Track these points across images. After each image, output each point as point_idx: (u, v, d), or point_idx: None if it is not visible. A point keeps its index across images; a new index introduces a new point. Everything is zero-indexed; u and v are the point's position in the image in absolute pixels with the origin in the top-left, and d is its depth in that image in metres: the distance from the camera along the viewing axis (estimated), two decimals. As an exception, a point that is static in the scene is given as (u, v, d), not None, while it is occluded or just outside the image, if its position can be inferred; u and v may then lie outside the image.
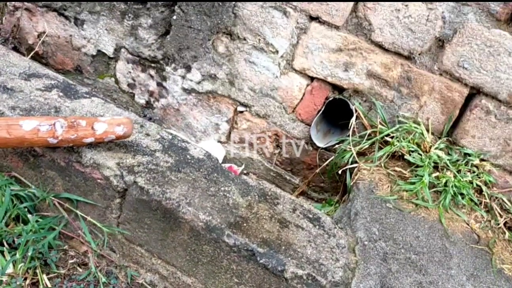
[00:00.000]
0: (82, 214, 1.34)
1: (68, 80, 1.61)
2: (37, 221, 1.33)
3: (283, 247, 1.22)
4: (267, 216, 1.31)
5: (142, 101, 2.18)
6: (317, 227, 1.35)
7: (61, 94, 1.52)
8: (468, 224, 1.63)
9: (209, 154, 1.49)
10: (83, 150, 1.31)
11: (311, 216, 1.38)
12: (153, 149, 1.41)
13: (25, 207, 1.34)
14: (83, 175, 1.30)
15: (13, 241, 1.29)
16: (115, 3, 2.00)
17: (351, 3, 1.69)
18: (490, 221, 1.66)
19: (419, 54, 1.70)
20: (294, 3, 1.76)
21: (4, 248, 1.26)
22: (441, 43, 1.66)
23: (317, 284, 1.17)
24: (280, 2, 1.78)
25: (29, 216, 1.33)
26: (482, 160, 1.74)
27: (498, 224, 1.64)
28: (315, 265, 1.20)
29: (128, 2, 1.98)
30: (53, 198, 1.35)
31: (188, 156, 1.44)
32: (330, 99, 1.88)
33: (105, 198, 1.31)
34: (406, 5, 1.63)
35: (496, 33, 1.57)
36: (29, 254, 1.24)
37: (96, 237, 1.36)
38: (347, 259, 1.28)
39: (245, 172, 2.11)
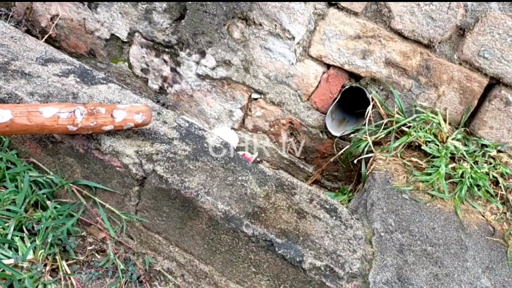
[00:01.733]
0: (101, 201, 1.35)
1: (84, 66, 1.60)
2: (55, 207, 1.34)
3: (301, 238, 1.22)
4: (284, 207, 1.31)
5: (156, 87, 2.17)
6: (334, 218, 1.35)
7: (78, 79, 1.51)
8: (483, 216, 1.62)
9: (226, 143, 1.49)
10: (102, 137, 1.30)
11: (328, 206, 1.38)
12: (170, 137, 1.41)
13: (43, 194, 1.35)
14: (102, 162, 1.30)
15: (33, 227, 1.30)
16: (129, -14, 1.98)
17: (371, -10, 1.66)
18: (505, 213, 1.65)
19: (439, 43, 1.67)
20: (312, -11, 1.73)
21: (24, 234, 1.27)
22: (462, 31, 1.63)
23: (334, 275, 1.18)
24: (298, -12, 1.75)
25: (48, 202, 1.34)
26: (499, 151, 1.72)
27: (514, 217, 1.63)
28: (332, 256, 1.21)
29: (143, -14, 1.95)
30: (71, 185, 1.35)
31: (205, 145, 1.44)
32: (347, 87, 1.86)
33: (124, 186, 1.31)
34: (428, -7, 1.60)
35: (520, 22, 1.54)
36: (49, 240, 1.26)
37: (114, 224, 1.37)
38: (364, 250, 1.28)
39: (258, 159, 2.10)
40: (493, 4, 1.55)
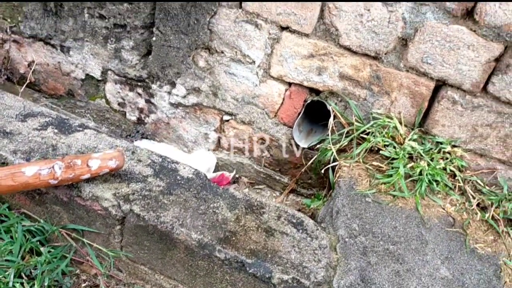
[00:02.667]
0: (89, 242, 1.49)
1: (61, 115, 1.73)
2: (49, 251, 1.48)
3: (269, 255, 1.37)
4: (254, 227, 1.45)
5: (134, 118, 2.30)
6: (301, 231, 1.49)
7: (56, 131, 1.64)
8: (444, 209, 1.76)
9: (197, 172, 1.62)
10: (82, 185, 1.44)
11: (294, 221, 1.52)
12: (145, 175, 1.54)
13: (37, 241, 1.49)
14: (84, 208, 1.44)
15: (30, 272, 1.44)
16: (96, 29, 2.10)
17: (317, 13, 1.78)
18: (464, 203, 1.79)
19: (385, 54, 1.80)
20: (264, 16, 1.86)
21: (23, 280, 1.42)
22: (404, 42, 1.76)
23: (301, 286, 1.32)
24: (251, 16, 1.87)
25: (41, 248, 1.48)
26: (453, 146, 1.86)
27: (472, 206, 1.77)
28: (299, 269, 1.35)
29: (109, 28, 2.08)
30: (61, 230, 1.50)
31: (178, 177, 1.57)
32: (308, 101, 1.99)
33: (107, 226, 1.45)
34: (368, 10, 1.73)
35: (454, 28, 1.67)
36: (46, 284, 1.40)
37: (103, 260, 1.51)
38: (329, 258, 1.43)
39: (237, 176, 2.24)
40: (429, 14, 1.67)
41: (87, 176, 1.41)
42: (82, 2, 2.07)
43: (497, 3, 1.56)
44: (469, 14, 1.63)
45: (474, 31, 1.64)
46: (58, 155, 1.53)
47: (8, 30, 2.31)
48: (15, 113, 1.69)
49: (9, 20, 2.29)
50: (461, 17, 1.65)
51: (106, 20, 2.07)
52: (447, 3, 1.63)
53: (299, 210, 1.78)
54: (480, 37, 1.64)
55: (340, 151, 1.93)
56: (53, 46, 2.24)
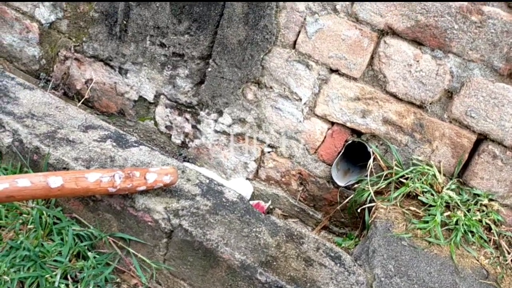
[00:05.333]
0: (134, 252, 1.55)
1: (119, 131, 1.84)
2: (95, 257, 1.55)
3: (309, 284, 1.40)
4: (294, 255, 1.49)
5: (178, 141, 2.41)
6: (338, 265, 1.52)
7: (114, 144, 1.75)
8: (477, 260, 1.77)
9: (241, 197, 1.69)
10: (136, 196, 1.52)
11: (332, 254, 1.56)
12: (194, 194, 1.62)
13: (85, 245, 1.56)
14: (135, 218, 1.52)
15: (76, 275, 1.51)
16: (155, 56, 2.25)
17: (367, 59, 1.89)
18: (498, 257, 1.80)
19: (430, 104, 1.87)
20: (316, 58, 1.97)
21: (69, 281, 1.48)
22: (450, 94, 1.84)
23: (338, 317, 1.35)
24: (303, 57, 1.99)
25: (88, 253, 1.55)
26: (490, 200, 1.89)
27: (506, 260, 1.77)
28: (336, 300, 1.38)
29: (168, 56, 2.22)
30: (109, 237, 1.57)
31: (223, 199, 1.64)
32: (349, 142, 2.06)
33: (154, 238, 1.52)
34: (417, 61, 1.82)
35: (500, 86, 1.74)
36: (90, 287, 1.46)
37: (145, 272, 1.56)
38: (365, 294, 1.45)
39: (271, 207, 2.30)
40: (476, 71, 1.76)
41: (142, 188, 1.49)
42: (145, 30, 2.23)
43: (544, 66, 1.64)
44: (515, 74, 1.71)
45: (520, 90, 1.72)
46: (116, 166, 1.62)
47: (72, 49, 2.48)
48: (78, 123, 1.81)
49: (74, 39, 2.47)
50: (507, 76, 1.73)
51: (166, 48, 2.21)
52: (495, 62, 1.72)
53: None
54: (525, 96, 1.71)
55: (377, 193, 1.97)
56: (111, 67, 2.40)
